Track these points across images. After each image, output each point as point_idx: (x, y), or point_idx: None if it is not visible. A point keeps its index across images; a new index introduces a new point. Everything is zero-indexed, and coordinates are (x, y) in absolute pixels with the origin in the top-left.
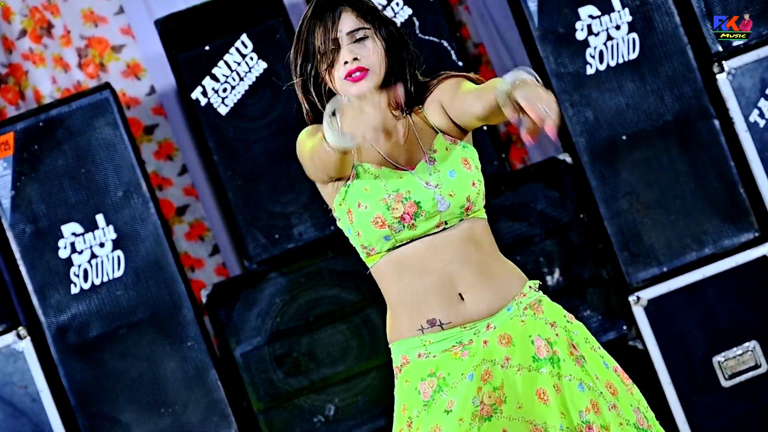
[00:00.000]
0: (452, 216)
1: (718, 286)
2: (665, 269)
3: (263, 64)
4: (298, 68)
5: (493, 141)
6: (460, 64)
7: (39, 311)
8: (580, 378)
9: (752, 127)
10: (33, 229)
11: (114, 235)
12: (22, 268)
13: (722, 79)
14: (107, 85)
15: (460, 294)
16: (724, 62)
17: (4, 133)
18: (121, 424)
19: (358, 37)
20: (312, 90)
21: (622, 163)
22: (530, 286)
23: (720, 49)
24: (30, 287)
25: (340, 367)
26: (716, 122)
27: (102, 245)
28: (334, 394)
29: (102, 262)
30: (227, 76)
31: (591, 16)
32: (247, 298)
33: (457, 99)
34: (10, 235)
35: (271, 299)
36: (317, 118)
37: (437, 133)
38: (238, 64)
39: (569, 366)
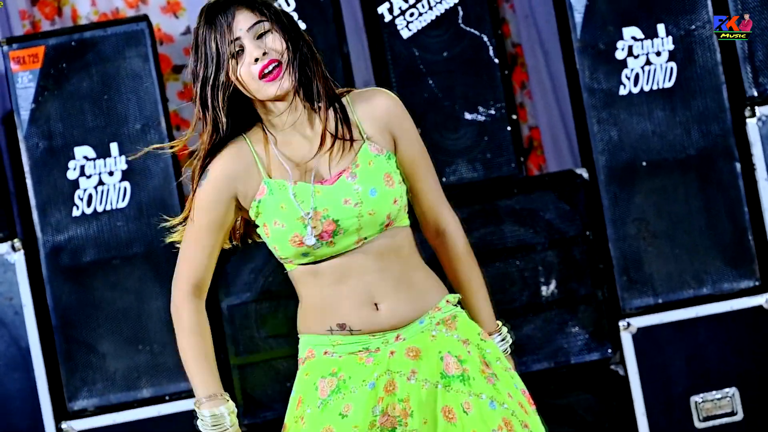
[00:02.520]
0: (372, 232)
1: (710, 327)
2: (660, 301)
3: (302, 26)
4: (202, 82)
5: (514, 143)
6: (496, 60)
7: (37, 227)
8: (491, 396)
9: None
10: (46, 145)
11: (125, 166)
12: (29, 182)
13: (752, 124)
14: (145, 17)
15: (375, 304)
16: (756, 107)
17: (35, 45)
18: (97, 353)
19: (260, 33)
20: (219, 101)
21: (638, 188)
22: (448, 300)
23: (755, 94)
24: (33, 202)
25: None
26: (738, 165)
27: (111, 174)
28: None
29: (108, 190)
30: None
31: (634, 38)
32: (244, 253)
33: (413, 177)
34: (23, 146)
35: (267, 258)
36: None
37: (363, 141)
38: None
39: (480, 384)
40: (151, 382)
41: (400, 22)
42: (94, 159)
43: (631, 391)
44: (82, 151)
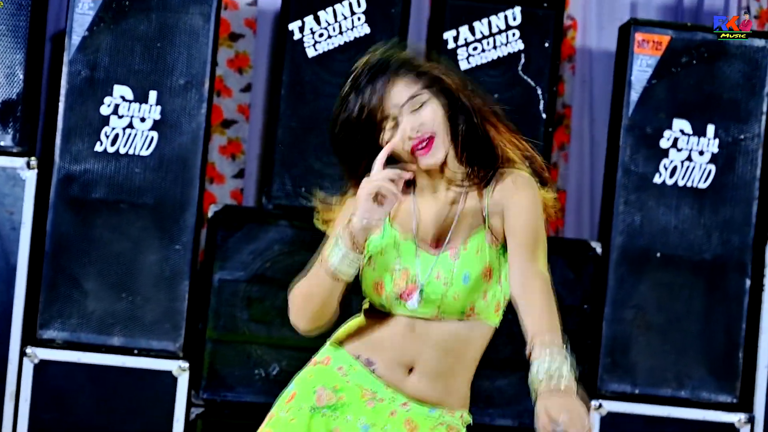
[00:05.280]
0: (450, 315)
1: (678, 430)
2: (637, 391)
3: (366, 29)
4: (348, 132)
5: None
6: (543, 116)
7: (57, 152)
8: None
9: None
10: (88, 75)
11: (158, 116)
12: (61, 106)
13: None
14: None
15: (411, 369)
16: None
17: None
18: (80, 289)
19: (416, 107)
20: (358, 153)
21: (646, 277)
22: (463, 415)
23: None
24: (59, 126)
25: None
26: (748, 282)
27: (143, 120)
28: (285, 357)
29: (135, 135)
30: (330, 24)
31: (682, 131)
32: (250, 233)
33: (511, 247)
34: (65, 70)
35: (270, 244)
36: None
37: (484, 228)
38: (345, 18)
39: None
40: (124, 332)
41: (461, 53)
42: (130, 101)
43: None
44: (121, 91)
